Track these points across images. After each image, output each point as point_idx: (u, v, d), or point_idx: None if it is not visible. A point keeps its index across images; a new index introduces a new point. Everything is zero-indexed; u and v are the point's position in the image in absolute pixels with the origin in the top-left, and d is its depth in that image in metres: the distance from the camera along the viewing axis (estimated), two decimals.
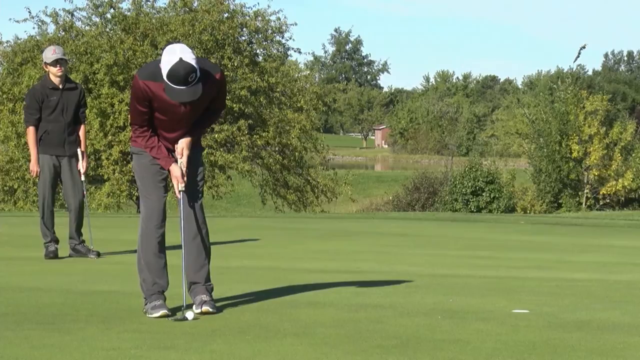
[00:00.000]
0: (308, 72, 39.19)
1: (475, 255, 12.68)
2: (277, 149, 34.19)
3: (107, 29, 32.52)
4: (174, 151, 6.84)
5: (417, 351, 5.55)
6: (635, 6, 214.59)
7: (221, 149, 31.96)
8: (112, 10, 32.51)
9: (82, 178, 11.08)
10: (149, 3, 33.27)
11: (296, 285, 8.23)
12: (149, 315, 6.57)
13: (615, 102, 72.04)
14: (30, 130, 10.94)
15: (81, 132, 11.13)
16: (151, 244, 6.85)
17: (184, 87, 6.46)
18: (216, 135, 31.38)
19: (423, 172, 48.37)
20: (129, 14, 32.55)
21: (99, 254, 10.97)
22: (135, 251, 6.96)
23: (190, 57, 6.43)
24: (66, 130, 10.92)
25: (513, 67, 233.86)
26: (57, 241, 10.99)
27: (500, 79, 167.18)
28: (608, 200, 48.99)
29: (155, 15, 33.05)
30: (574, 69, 61.48)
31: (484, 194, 44.20)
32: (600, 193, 48.99)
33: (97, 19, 32.86)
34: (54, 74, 10.86)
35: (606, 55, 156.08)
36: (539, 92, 62.52)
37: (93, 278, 9.13)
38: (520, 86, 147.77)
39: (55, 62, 10.78)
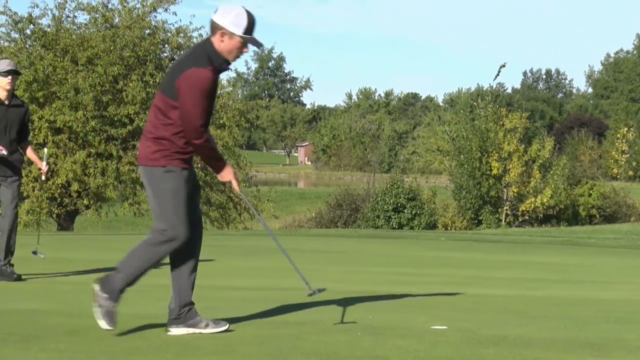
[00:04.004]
0: (231, 88, 39.08)
1: (396, 271, 12.79)
2: (199, 165, 34.04)
3: (27, 45, 32.16)
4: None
5: None
6: (554, 25, 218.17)
7: None
8: (31, 26, 32.19)
9: (43, 177, 11.04)
10: (69, 19, 33.01)
11: (217, 303, 8.22)
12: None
13: (533, 119, 73.19)
14: None
15: (29, 152, 10.87)
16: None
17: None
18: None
19: (345, 189, 48.61)
20: (49, 30, 32.24)
21: (19, 277, 10.55)
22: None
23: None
24: (8, 149, 10.52)
25: (434, 85, 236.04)
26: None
27: (421, 97, 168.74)
28: (527, 217, 49.64)
29: (76, 31, 32.76)
30: (493, 87, 62.12)
31: (405, 210, 44.49)
32: (519, 210, 49.64)
33: (17, 35, 32.50)
34: (3, 86, 10.50)
35: (525, 74, 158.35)
36: (460, 110, 63.31)
37: (11, 296, 9.00)
38: (441, 103, 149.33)
39: (7, 73, 10.45)
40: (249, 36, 6.43)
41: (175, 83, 6.33)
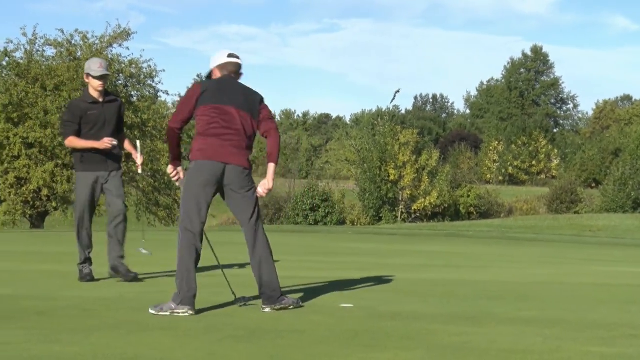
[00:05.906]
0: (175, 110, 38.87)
1: (311, 259, 12.78)
2: (149, 174, 33.80)
3: (3, 75, 31.72)
4: None
5: (262, 339, 5.55)
6: (439, 59, 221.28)
7: None
8: (7, 59, 31.75)
9: (140, 170, 9.47)
10: (39, 52, 32.61)
11: (164, 287, 8.13)
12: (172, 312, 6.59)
13: (423, 135, 73.88)
14: (71, 138, 8.88)
15: (126, 144, 9.30)
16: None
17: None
18: None
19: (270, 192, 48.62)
20: (21, 61, 31.83)
21: (136, 276, 9.09)
22: None
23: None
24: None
25: (343, 107, 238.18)
26: (91, 262, 9.14)
27: (332, 116, 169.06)
28: (418, 215, 50.12)
29: (45, 63, 32.38)
30: (390, 109, 62.56)
31: (320, 209, 44.56)
32: (412, 208, 50.08)
33: None
34: (95, 88, 8.87)
35: (416, 97, 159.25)
36: (363, 127, 63.57)
37: None
38: (348, 122, 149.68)
39: (100, 77, 8.85)
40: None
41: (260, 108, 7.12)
